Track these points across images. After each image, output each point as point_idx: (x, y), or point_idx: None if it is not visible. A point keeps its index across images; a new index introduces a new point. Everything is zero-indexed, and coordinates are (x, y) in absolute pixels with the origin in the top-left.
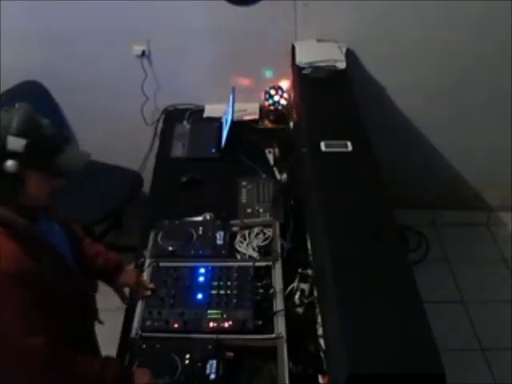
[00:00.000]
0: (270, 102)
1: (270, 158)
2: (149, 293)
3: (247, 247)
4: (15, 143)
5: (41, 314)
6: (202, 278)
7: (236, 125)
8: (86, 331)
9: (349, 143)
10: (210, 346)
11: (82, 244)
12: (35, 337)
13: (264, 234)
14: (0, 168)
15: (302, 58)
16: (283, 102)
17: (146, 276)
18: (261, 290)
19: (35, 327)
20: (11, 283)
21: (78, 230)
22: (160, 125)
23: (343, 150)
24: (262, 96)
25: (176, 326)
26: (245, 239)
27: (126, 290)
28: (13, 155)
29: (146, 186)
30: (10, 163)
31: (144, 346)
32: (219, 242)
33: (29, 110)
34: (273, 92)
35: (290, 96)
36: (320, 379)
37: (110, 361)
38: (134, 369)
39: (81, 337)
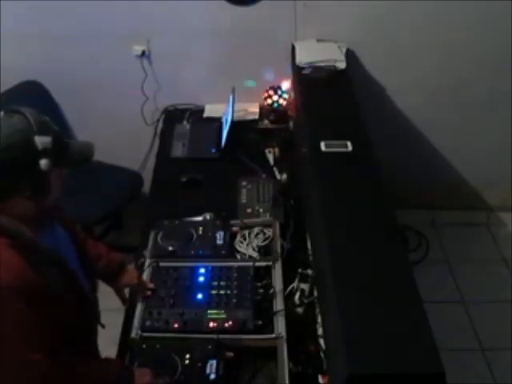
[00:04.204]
0: (270, 101)
1: (270, 158)
2: (149, 293)
3: (247, 247)
4: (43, 141)
5: (43, 329)
6: (201, 278)
7: (236, 125)
8: (89, 338)
9: (349, 143)
10: (210, 346)
11: (85, 246)
12: (36, 353)
13: (264, 233)
14: (35, 168)
15: (302, 58)
16: (283, 101)
17: (146, 276)
18: (261, 290)
19: (37, 343)
20: (15, 299)
21: (80, 232)
22: (160, 125)
23: (343, 149)
24: (262, 96)
25: (176, 326)
26: (245, 239)
27: (126, 291)
28: (44, 154)
29: (146, 186)
30: (44, 162)
31: (144, 346)
32: (219, 241)
33: (33, 111)
34: (272, 92)
35: (289, 96)
36: (320, 379)
37: (111, 362)
38: (135, 368)
39: (82, 343)
